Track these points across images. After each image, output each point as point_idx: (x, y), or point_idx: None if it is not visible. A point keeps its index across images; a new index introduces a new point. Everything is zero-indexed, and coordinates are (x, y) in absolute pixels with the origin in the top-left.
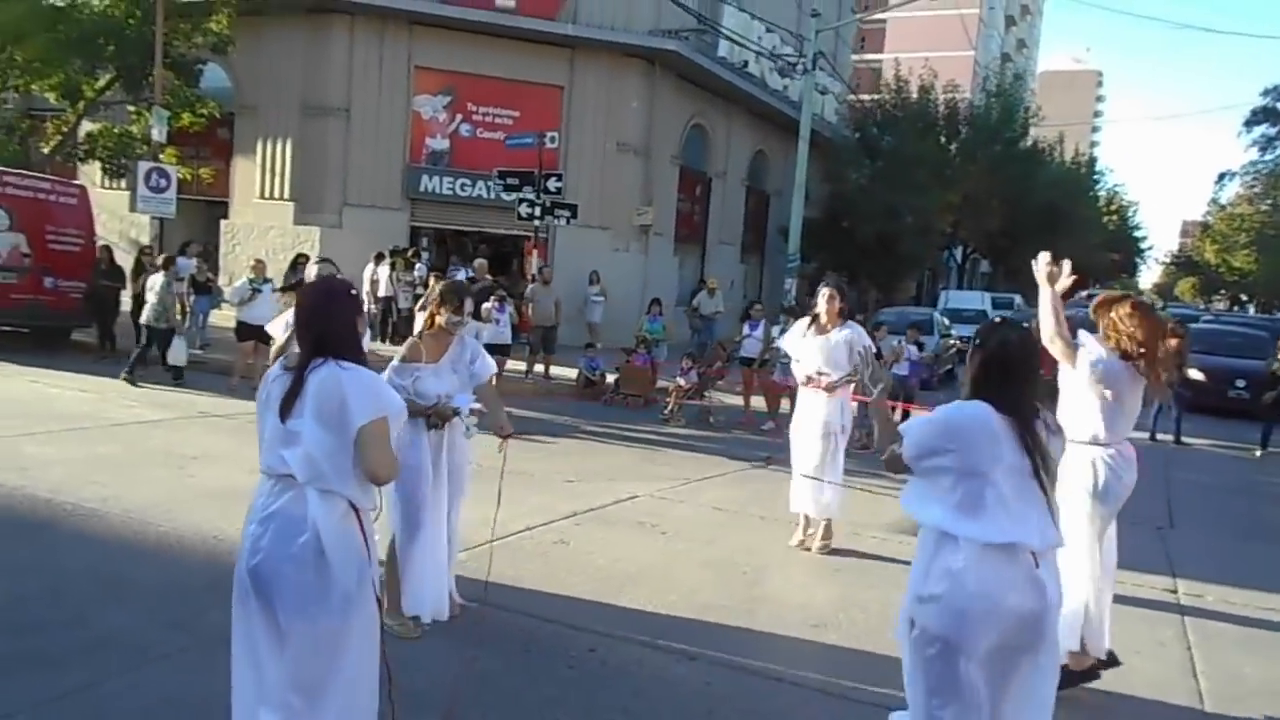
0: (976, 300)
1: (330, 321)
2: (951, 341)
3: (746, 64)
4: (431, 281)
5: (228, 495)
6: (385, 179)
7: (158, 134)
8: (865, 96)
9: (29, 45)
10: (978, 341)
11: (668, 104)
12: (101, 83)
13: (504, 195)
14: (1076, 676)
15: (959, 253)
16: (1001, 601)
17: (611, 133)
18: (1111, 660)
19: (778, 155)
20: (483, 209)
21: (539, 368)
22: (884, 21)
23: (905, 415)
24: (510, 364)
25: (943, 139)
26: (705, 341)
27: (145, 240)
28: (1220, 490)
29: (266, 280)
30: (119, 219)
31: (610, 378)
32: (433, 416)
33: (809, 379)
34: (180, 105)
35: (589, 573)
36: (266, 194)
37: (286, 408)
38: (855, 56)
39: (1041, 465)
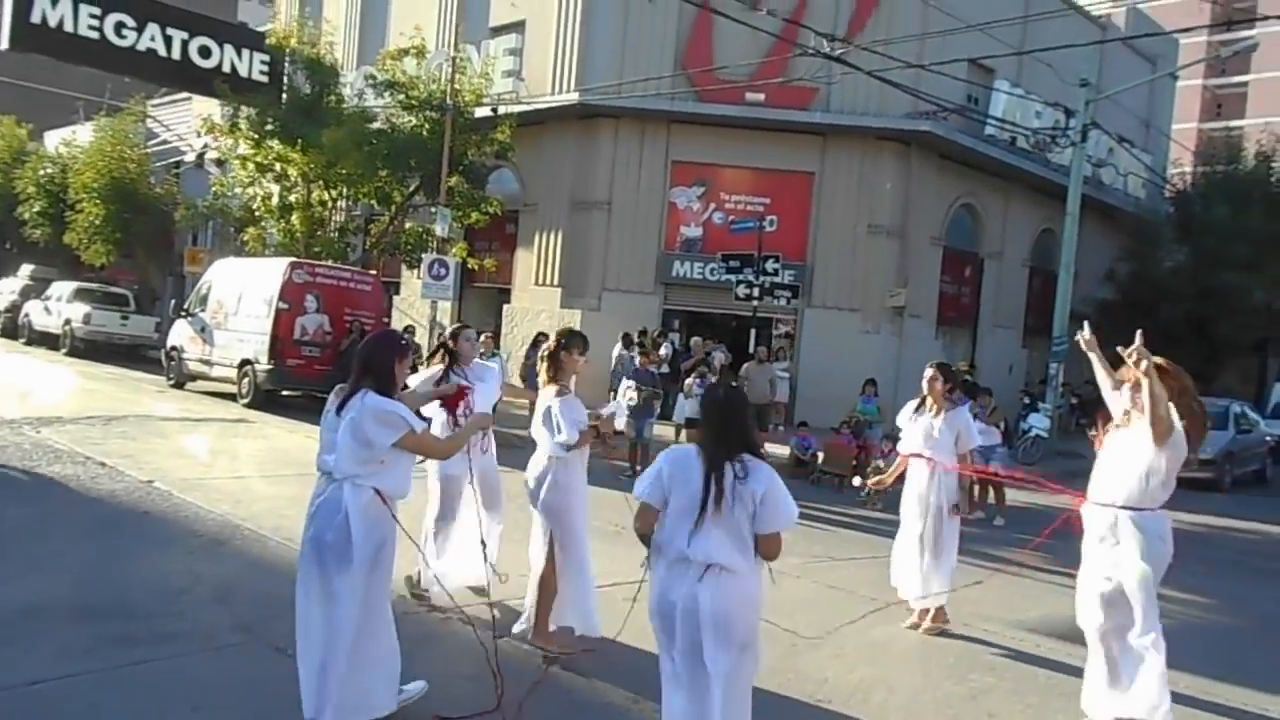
0: None
1: (372, 359)
2: None
3: (1015, 140)
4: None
5: None
6: (640, 265)
7: (441, 230)
8: (1185, 169)
9: (347, 161)
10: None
11: (927, 185)
12: (409, 189)
13: (725, 276)
14: None
15: None
16: (666, 596)
17: (863, 215)
18: None
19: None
20: (730, 292)
21: None
22: (1245, 85)
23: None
24: None
25: None
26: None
27: (447, 323)
28: None
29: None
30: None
31: (822, 456)
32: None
33: (916, 457)
34: (469, 205)
35: (635, 626)
36: (539, 281)
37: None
38: (1209, 124)
39: (715, 497)
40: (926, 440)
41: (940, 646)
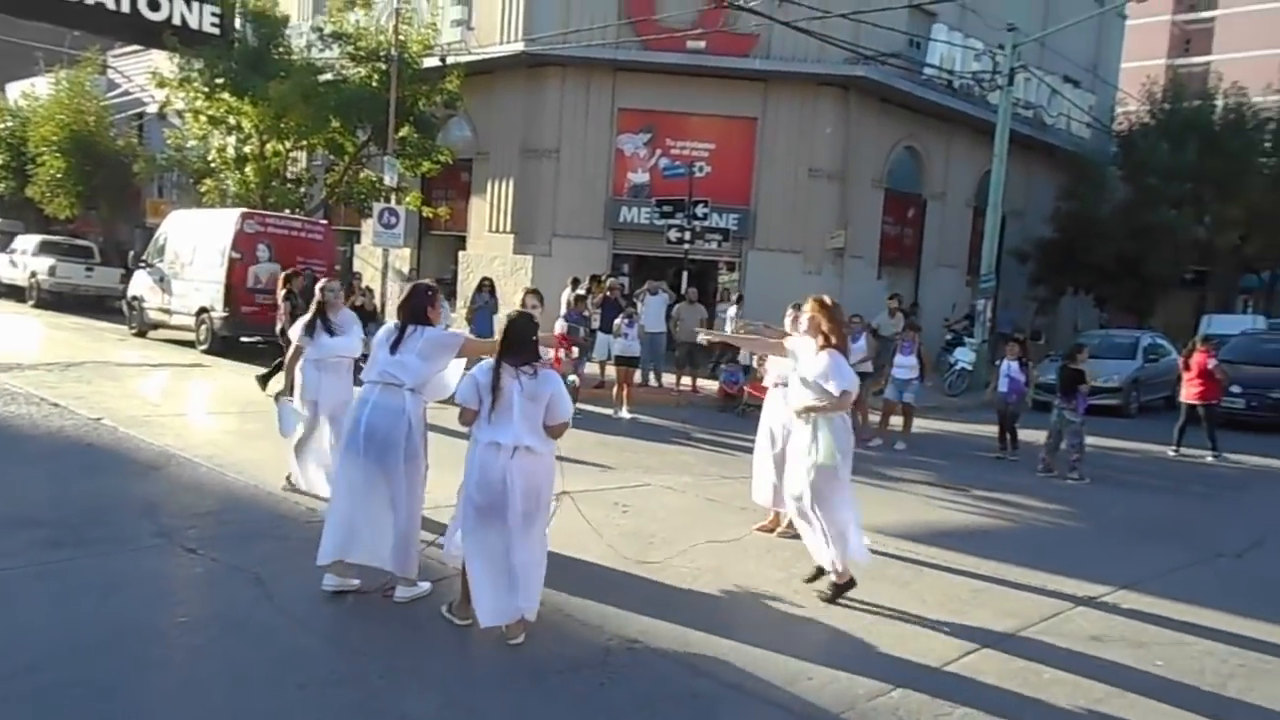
0: (1244, 324)
1: (412, 303)
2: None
3: (950, 84)
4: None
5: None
6: (589, 211)
7: (389, 179)
8: (1130, 108)
9: (295, 114)
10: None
11: (867, 128)
12: (360, 140)
13: (655, 221)
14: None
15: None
16: (486, 472)
17: (804, 159)
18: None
19: (1016, 175)
20: None
21: (686, 381)
22: (1211, 21)
23: None
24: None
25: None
26: (884, 364)
27: (405, 270)
28: None
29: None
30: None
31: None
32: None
33: (775, 385)
34: (421, 155)
35: None
36: (493, 227)
37: (395, 347)
38: (1182, 61)
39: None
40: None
41: (783, 545)
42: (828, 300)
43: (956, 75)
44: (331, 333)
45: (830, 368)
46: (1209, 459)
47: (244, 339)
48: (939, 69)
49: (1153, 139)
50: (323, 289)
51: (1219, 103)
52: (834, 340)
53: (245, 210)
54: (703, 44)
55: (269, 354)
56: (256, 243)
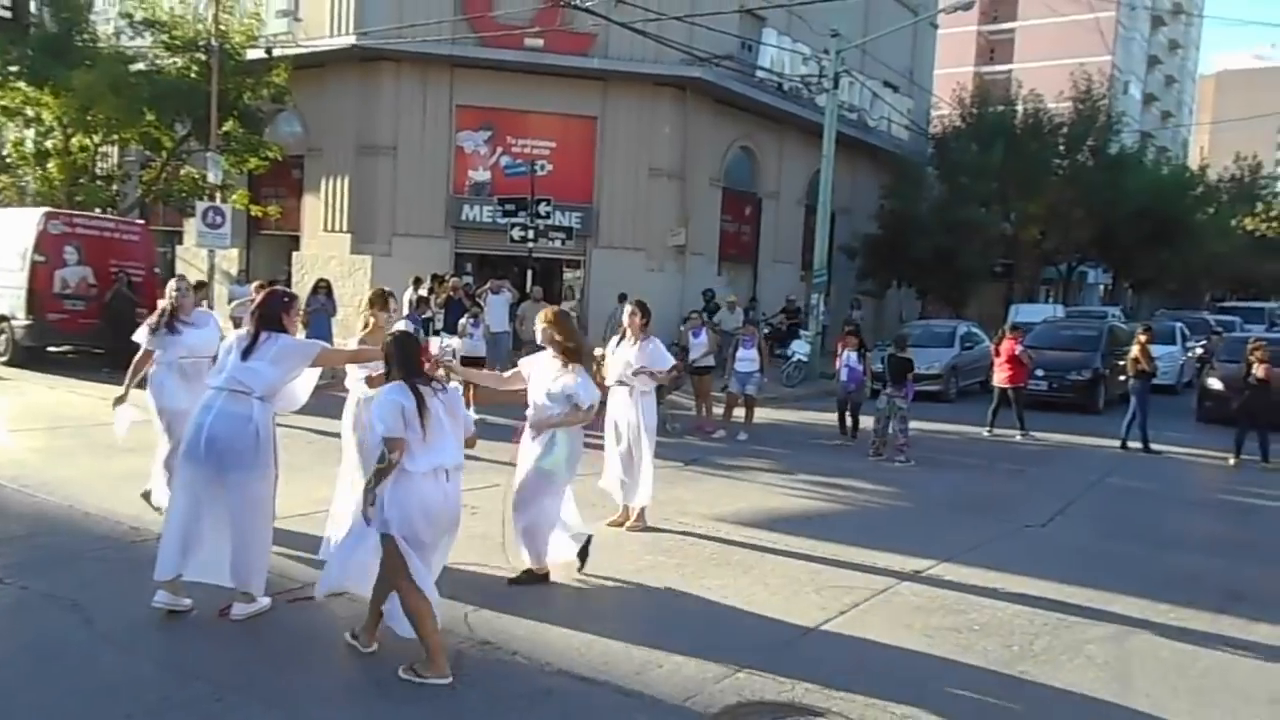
0: (1046, 312)
1: (267, 309)
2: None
3: (780, 86)
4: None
5: (114, 476)
6: (430, 210)
7: (213, 176)
8: (944, 112)
9: (103, 105)
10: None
11: (704, 129)
12: (179, 135)
13: (499, 220)
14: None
15: (1066, 267)
16: (427, 503)
17: (644, 158)
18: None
19: (843, 174)
20: None
21: None
22: (1012, 31)
23: None
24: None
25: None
26: (725, 359)
27: (234, 271)
28: (1143, 496)
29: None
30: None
31: None
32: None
33: (618, 383)
34: (248, 150)
35: None
36: (328, 227)
37: (246, 353)
38: (987, 69)
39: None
40: (626, 369)
41: (631, 538)
42: (556, 313)
43: (786, 78)
44: (180, 330)
45: (577, 385)
46: (1018, 438)
47: (50, 348)
48: (770, 72)
49: (963, 141)
50: (172, 289)
51: (1019, 108)
52: (573, 353)
53: (50, 210)
54: (541, 42)
55: (80, 365)
56: (63, 244)
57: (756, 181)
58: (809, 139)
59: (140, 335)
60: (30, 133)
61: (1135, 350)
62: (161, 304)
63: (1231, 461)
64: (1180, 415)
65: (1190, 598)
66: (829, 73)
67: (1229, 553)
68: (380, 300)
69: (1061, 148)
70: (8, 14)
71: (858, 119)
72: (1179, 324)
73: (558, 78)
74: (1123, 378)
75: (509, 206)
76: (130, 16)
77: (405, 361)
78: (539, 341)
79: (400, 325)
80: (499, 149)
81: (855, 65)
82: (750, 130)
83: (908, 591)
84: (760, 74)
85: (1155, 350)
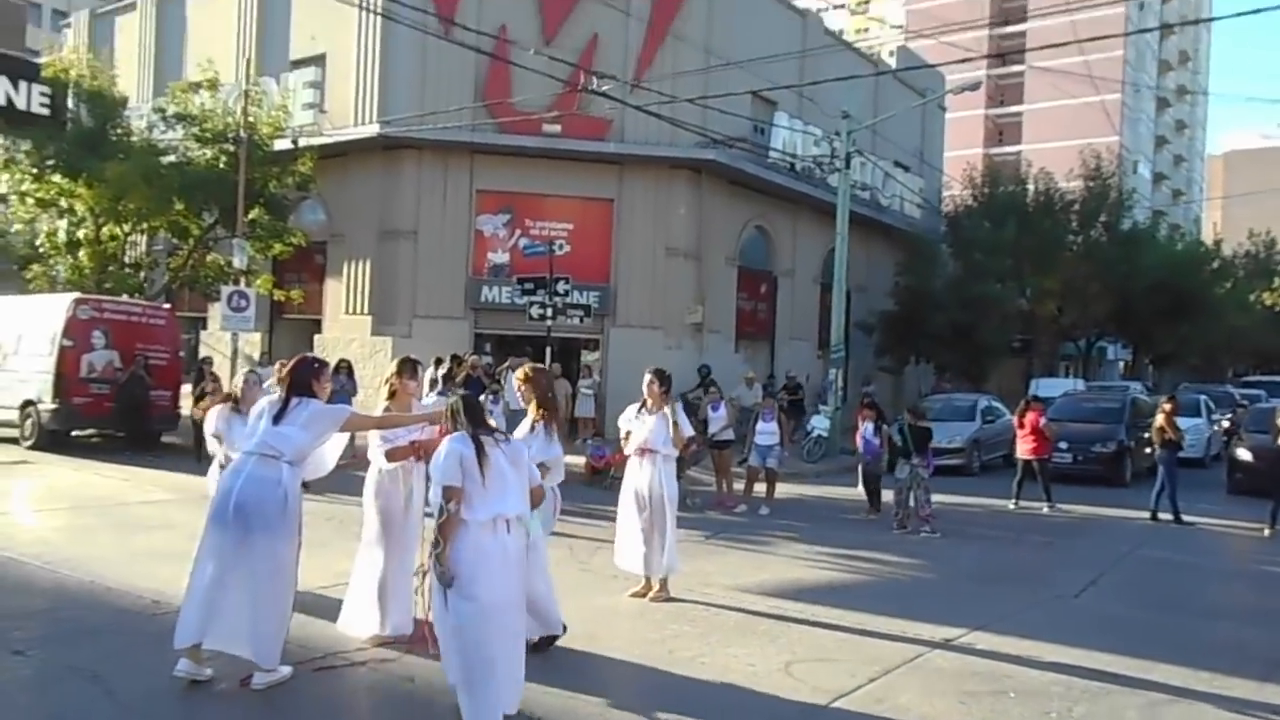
0: (1066, 387)
1: (297, 375)
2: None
3: (793, 167)
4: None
5: (135, 552)
6: (450, 291)
7: (239, 262)
8: (955, 191)
9: (135, 195)
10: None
11: (719, 209)
12: (207, 222)
13: (517, 300)
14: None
15: (1085, 342)
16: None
17: (661, 238)
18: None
19: (857, 252)
20: None
21: None
22: (1019, 115)
23: None
24: None
25: (1049, 227)
26: (744, 433)
27: (256, 355)
28: (1177, 566)
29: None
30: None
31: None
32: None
33: (640, 451)
34: (272, 237)
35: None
36: (350, 310)
37: (278, 418)
38: (996, 150)
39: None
40: (651, 435)
41: (655, 608)
42: (527, 371)
43: (798, 159)
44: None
45: (544, 446)
46: (1045, 510)
47: (75, 433)
48: (782, 153)
49: (976, 219)
50: (238, 382)
51: (1030, 187)
52: (545, 411)
53: (79, 295)
54: (558, 128)
55: (103, 448)
56: (91, 329)
57: (771, 260)
58: (822, 218)
59: (209, 424)
60: (63, 223)
61: (1160, 420)
62: (226, 390)
63: (1266, 532)
64: (1210, 488)
65: (1233, 666)
66: (840, 153)
67: (1270, 622)
68: (409, 369)
69: (1075, 224)
70: (46, 111)
71: (870, 198)
72: (1203, 397)
73: (575, 162)
74: (1149, 450)
75: (528, 285)
76: (163, 111)
77: (470, 413)
78: (520, 404)
79: (431, 398)
80: (518, 231)
81: (866, 146)
82: (764, 210)
83: (939, 659)
84: (773, 155)
85: (1181, 423)
